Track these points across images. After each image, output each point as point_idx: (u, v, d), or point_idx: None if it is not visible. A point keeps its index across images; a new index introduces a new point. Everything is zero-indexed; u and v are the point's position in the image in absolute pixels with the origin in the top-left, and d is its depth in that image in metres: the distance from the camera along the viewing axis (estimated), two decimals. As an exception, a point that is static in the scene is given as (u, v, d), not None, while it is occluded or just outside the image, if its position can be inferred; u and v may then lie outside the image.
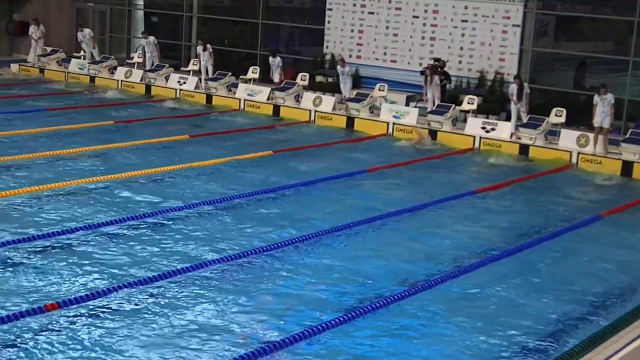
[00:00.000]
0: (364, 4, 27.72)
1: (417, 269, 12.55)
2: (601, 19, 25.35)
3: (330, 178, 17.77)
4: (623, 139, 20.89)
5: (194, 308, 10.59)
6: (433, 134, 22.89)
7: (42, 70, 30.59)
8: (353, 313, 10.51)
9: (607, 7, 25.12)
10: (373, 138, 23.06)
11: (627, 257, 13.80)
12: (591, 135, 21.22)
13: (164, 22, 33.60)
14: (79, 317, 10.08)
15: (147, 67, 29.01)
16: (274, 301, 11.04)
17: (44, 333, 9.62)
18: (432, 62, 25.01)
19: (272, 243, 13.07)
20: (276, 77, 26.88)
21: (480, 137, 22.33)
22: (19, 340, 9.40)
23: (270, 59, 27.31)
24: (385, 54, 27.45)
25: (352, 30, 28.10)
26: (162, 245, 12.85)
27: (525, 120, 22.29)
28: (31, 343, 9.36)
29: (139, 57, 30.05)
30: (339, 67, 25.95)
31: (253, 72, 27.96)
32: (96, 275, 11.44)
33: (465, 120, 23.36)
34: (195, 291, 11.14)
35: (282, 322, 10.33)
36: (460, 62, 25.83)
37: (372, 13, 27.56)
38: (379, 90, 25.44)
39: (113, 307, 10.41)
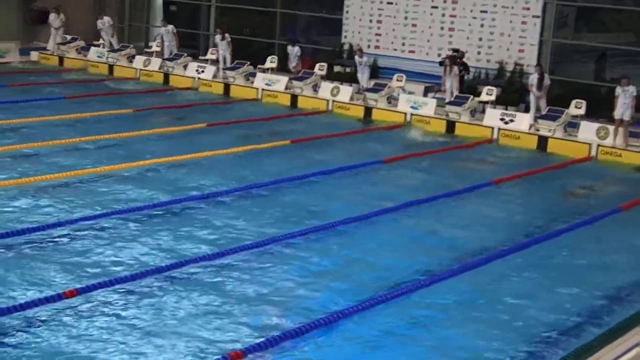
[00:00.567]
0: (383, -7, 27.66)
1: (432, 260, 12.50)
2: (623, 10, 25.15)
3: (347, 168, 17.75)
4: (643, 132, 20.77)
5: (211, 296, 10.61)
6: (451, 125, 22.81)
7: (61, 59, 30.67)
8: (369, 302, 10.49)
9: (629, -2, 24.95)
10: (390, 128, 23.01)
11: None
12: (611, 128, 21.06)
13: (183, 11, 33.60)
14: (97, 304, 10.13)
15: (166, 56, 29.05)
16: (290, 290, 11.04)
17: (61, 319, 9.67)
18: (451, 52, 24.90)
19: (288, 232, 13.07)
20: (293, 66, 26.88)
21: (499, 129, 22.22)
22: (37, 326, 9.45)
23: (289, 47, 27.30)
24: (403, 44, 27.35)
25: (371, 20, 28.00)
26: (180, 234, 12.88)
27: (544, 111, 22.17)
28: (48, 329, 9.41)
29: (157, 45, 30.11)
30: (356, 57, 25.88)
31: (271, 62, 27.95)
32: (114, 263, 11.48)
33: (483, 112, 23.25)
34: (213, 279, 11.15)
35: (300, 310, 10.34)
36: (479, 52, 25.70)
37: (391, 3, 27.45)
38: (397, 80, 25.36)
39: (132, 294, 10.46)
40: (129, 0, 34.50)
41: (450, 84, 24.00)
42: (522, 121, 22.30)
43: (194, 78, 27.49)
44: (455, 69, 23.98)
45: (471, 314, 10.66)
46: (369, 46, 27.64)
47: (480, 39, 25.72)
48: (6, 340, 9.06)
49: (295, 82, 25.96)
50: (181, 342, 9.32)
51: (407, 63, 27.01)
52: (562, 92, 24.09)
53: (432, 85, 25.71)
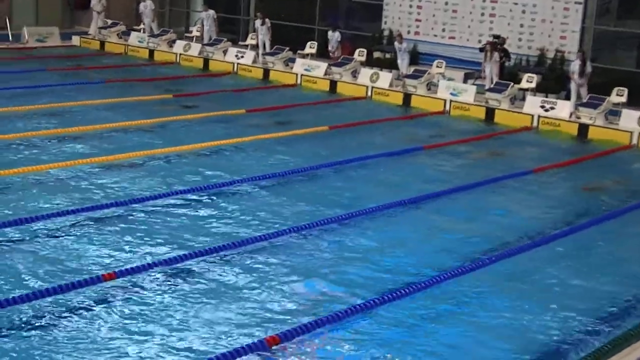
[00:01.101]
0: (424, -21, 27.52)
1: (470, 247, 12.46)
2: (667, -4, 24.82)
3: (386, 154, 17.73)
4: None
5: (242, 283, 10.68)
6: (491, 112, 22.69)
7: (102, 43, 30.92)
8: (406, 290, 10.51)
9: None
10: (430, 115, 22.93)
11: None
12: (653, 116, 20.84)
13: (223, -4, 33.72)
14: (135, 288, 10.25)
15: (205, 41, 29.17)
16: (326, 275, 11.09)
17: (100, 302, 9.81)
18: (491, 39, 24.74)
19: (325, 218, 13.09)
20: (333, 52, 26.88)
21: (539, 116, 22.05)
22: (75, 309, 9.59)
23: (330, 33, 27.31)
24: (444, 30, 27.21)
25: (411, 6, 27.89)
26: (215, 219, 12.95)
27: (585, 99, 21.96)
28: (88, 311, 9.54)
29: (197, 30, 30.24)
30: (396, 44, 25.80)
31: (310, 47, 27.95)
32: (151, 248, 11.58)
33: (523, 99, 23.09)
34: (243, 266, 11.20)
35: (337, 298, 10.39)
36: (520, 39, 25.50)
37: (432, -11, 27.36)
38: (437, 67, 25.27)
39: (166, 279, 10.56)
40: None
41: (491, 71, 23.86)
42: (563, 109, 22.11)
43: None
44: (496, 55, 23.82)
45: (506, 302, 10.63)
46: (409, 32, 27.55)
47: (522, 26, 25.52)
48: (42, 323, 9.18)
49: (334, 68, 25.95)
50: (220, 324, 9.42)
51: (447, 49, 26.90)
52: (603, 79, 23.82)
53: (472, 72, 25.59)
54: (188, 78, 26.22)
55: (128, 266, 10.72)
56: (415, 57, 26.72)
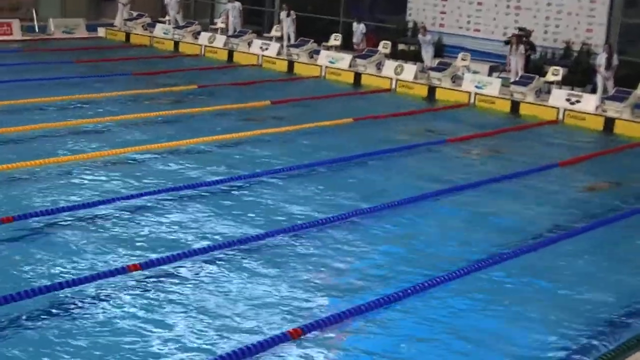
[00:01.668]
0: (449, -29, 27.42)
1: (493, 240, 12.43)
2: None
3: (410, 147, 17.73)
4: None
5: (268, 273, 10.72)
6: (516, 105, 22.61)
7: (127, 35, 31.06)
8: (436, 280, 10.52)
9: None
10: (454, 108, 22.88)
11: None
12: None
13: (248, -12, 33.72)
14: (159, 279, 10.32)
15: (230, 33, 29.23)
16: (354, 265, 11.12)
17: (125, 292, 9.90)
18: (517, 31, 24.62)
19: (351, 210, 13.11)
20: (358, 43, 26.87)
21: (565, 109, 21.94)
22: (102, 299, 9.69)
23: (355, 24, 27.29)
24: (469, 22, 27.12)
25: (436, -2, 27.83)
26: (240, 210, 12.99)
27: (611, 92, 21.81)
28: (114, 302, 9.63)
29: (222, 22, 30.29)
30: (420, 36, 25.75)
31: (335, 39, 27.93)
32: (174, 239, 11.65)
33: (549, 92, 22.97)
34: (268, 257, 11.25)
35: (365, 288, 10.42)
36: (545, 32, 25.36)
37: (457, -19, 27.25)
38: (462, 59, 25.17)
39: (187, 272, 10.61)
40: (194, -24, 34.77)
41: (516, 64, 23.75)
42: (589, 102, 21.98)
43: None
44: (521, 48, 23.70)
45: (530, 296, 10.62)
46: (433, 24, 27.48)
47: (547, 18, 25.37)
48: (64, 313, 9.27)
49: (358, 60, 25.93)
50: (246, 315, 9.48)
51: (472, 42, 26.80)
52: (630, 72, 23.62)
53: (497, 65, 25.47)
54: (213, 70, 26.30)
55: (154, 256, 10.80)
56: (440, 50, 26.63)
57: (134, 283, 10.10)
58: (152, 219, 12.34)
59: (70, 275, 10.08)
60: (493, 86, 23.41)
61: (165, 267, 10.57)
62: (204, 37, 29.42)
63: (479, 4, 26.79)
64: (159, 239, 11.59)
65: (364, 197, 13.99)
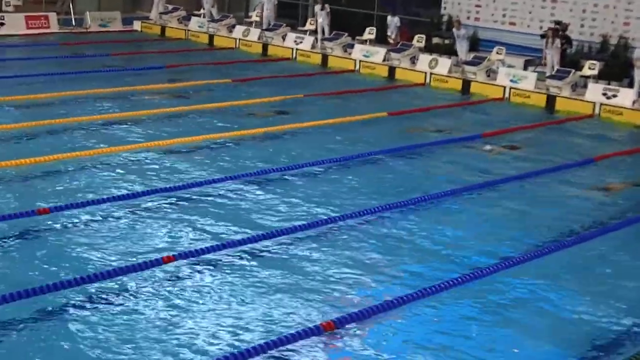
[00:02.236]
0: (485, -36, 27.24)
1: (530, 235, 12.38)
2: None
3: (445, 142, 17.68)
4: None
5: (301, 267, 10.77)
6: (551, 99, 22.43)
7: (163, 28, 31.23)
8: (467, 277, 10.49)
9: None
10: (489, 102, 22.75)
11: None
12: None
13: (283, -19, 33.74)
14: (192, 270, 10.39)
15: (264, 26, 29.28)
16: (388, 261, 11.12)
17: (161, 283, 9.98)
18: (553, 25, 24.40)
19: (383, 204, 13.08)
20: (392, 37, 26.80)
21: (601, 104, 21.74)
22: (138, 289, 9.78)
23: (389, 17, 27.22)
24: (504, 16, 26.93)
25: (471, -8, 27.66)
26: (275, 204, 13.03)
27: (648, 87, 21.59)
28: (149, 292, 9.73)
29: (257, 15, 30.35)
30: (454, 30, 25.62)
31: (369, 33, 27.85)
32: (208, 231, 11.71)
33: (585, 86, 22.77)
34: (303, 250, 11.30)
35: (395, 282, 10.44)
36: (582, 25, 25.12)
37: (493, -26, 27.07)
38: (497, 53, 24.99)
39: (221, 263, 10.67)
40: (230, -30, 34.84)
41: (552, 58, 23.55)
42: (626, 96, 21.75)
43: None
44: (558, 41, 23.50)
45: (564, 291, 10.55)
46: (468, 17, 27.32)
47: (584, 11, 25.13)
48: (100, 303, 9.39)
49: (393, 54, 25.86)
50: (279, 307, 9.53)
51: (507, 35, 26.60)
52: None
53: (532, 59, 25.27)
54: (247, 63, 26.37)
55: (190, 248, 10.87)
56: (476, 44, 26.45)
57: (165, 275, 10.18)
58: (185, 212, 12.42)
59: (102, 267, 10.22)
60: (528, 80, 23.25)
61: (206, 256, 10.66)
62: (239, 30, 29.50)
63: (515, -3, 26.60)
64: (194, 232, 11.66)
65: (398, 192, 13.96)
